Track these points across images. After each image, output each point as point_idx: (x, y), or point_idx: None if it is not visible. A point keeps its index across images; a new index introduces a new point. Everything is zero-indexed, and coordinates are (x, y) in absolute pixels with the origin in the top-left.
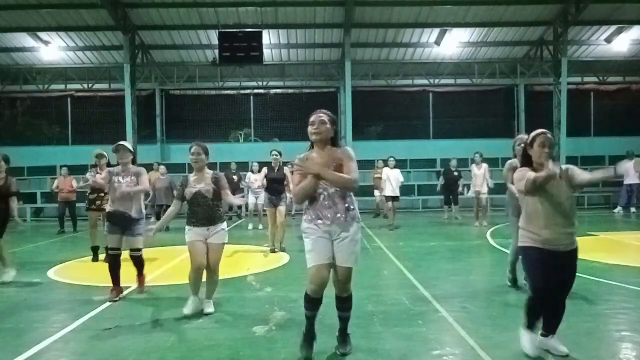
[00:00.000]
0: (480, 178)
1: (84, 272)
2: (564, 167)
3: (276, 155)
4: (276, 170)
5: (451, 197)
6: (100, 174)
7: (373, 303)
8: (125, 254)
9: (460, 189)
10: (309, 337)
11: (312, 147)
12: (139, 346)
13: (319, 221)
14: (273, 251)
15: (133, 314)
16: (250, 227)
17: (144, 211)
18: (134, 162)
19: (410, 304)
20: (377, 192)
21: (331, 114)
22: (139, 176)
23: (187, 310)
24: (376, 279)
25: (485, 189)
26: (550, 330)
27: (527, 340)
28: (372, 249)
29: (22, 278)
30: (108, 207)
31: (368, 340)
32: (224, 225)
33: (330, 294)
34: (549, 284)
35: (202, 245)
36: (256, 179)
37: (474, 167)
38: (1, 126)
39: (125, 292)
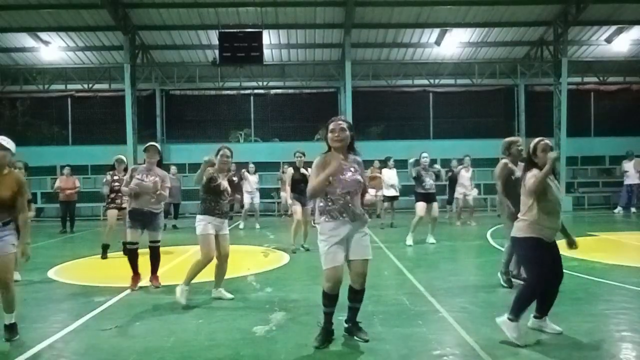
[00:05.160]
0: (467, 180)
1: (84, 272)
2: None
3: (300, 156)
4: (301, 171)
5: (454, 196)
6: (114, 178)
7: (373, 303)
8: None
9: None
10: (326, 331)
11: (329, 149)
12: (139, 346)
13: (341, 218)
14: (294, 252)
15: (133, 314)
16: (242, 226)
17: (162, 206)
18: (159, 164)
19: (410, 304)
20: (372, 192)
21: (348, 121)
22: (162, 180)
23: (183, 299)
24: (376, 279)
25: (470, 191)
26: (543, 312)
27: (515, 329)
28: (372, 249)
29: (22, 278)
30: (129, 205)
31: (368, 340)
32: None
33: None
34: (548, 272)
35: (214, 238)
36: (251, 180)
37: (461, 170)
38: (1, 126)
39: (125, 292)
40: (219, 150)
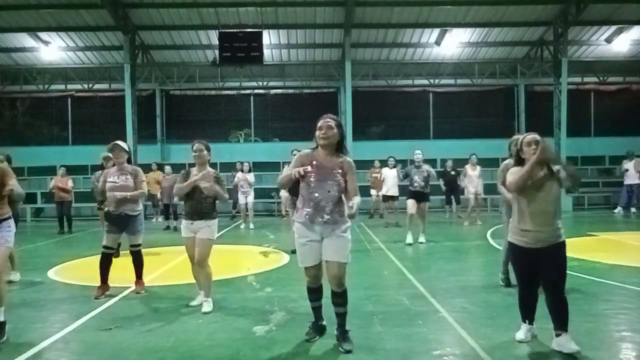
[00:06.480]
0: (476, 178)
1: (84, 272)
2: (556, 168)
3: (297, 154)
4: None
5: (452, 196)
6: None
7: (373, 303)
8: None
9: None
10: (315, 326)
11: (317, 147)
12: (139, 346)
13: (309, 221)
14: (293, 252)
15: (133, 314)
16: (243, 226)
17: (140, 207)
18: (129, 161)
19: (410, 304)
20: (373, 192)
21: (337, 119)
22: (135, 176)
23: (193, 302)
24: (376, 279)
25: (480, 189)
26: (557, 327)
27: (520, 330)
28: (372, 249)
29: (22, 278)
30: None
31: (368, 340)
32: (211, 222)
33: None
34: (528, 277)
35: (192, 239)
36: (245, 178)
37: (468, 168)
38: (1, 126)
39: (126, 292)
40: (192, 146)
